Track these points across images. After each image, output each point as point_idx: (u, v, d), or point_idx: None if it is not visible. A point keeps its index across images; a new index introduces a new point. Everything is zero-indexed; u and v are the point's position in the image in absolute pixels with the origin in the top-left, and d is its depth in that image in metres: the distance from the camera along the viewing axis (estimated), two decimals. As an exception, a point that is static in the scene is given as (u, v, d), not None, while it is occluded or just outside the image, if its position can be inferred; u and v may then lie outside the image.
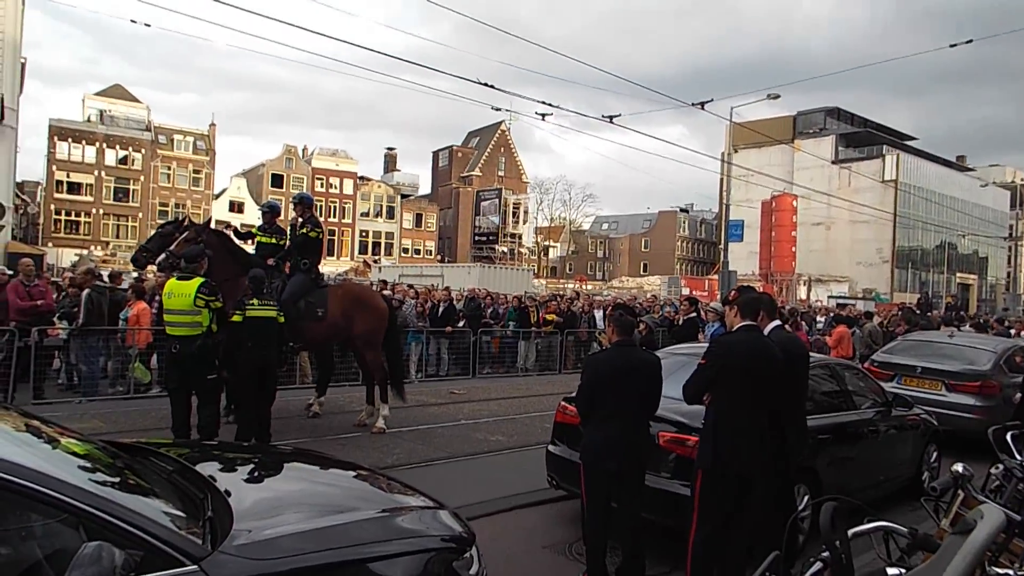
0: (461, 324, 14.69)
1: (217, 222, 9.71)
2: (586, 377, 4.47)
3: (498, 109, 18.88)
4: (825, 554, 2.10)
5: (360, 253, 57.04)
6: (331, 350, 9.81)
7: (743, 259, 45.43)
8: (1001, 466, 4.62)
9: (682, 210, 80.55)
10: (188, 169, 51.12)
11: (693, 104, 19.34)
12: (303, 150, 58.56)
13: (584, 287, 45.69)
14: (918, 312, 21.86)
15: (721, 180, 43.96)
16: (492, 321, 15.64)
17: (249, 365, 7.13)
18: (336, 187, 58.08)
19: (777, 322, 4.82)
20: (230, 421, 7.89)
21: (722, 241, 31.37)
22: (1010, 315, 33.75)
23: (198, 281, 6.64)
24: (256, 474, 3.64)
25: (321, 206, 57.48)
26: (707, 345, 4.99)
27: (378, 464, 6.72)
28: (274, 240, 8.95)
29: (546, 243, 77.70)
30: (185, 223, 8.50)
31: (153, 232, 8.82)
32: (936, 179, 60.39)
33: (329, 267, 45.28)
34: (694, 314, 11.93)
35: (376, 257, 55.79)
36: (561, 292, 28.35)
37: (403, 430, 8.83)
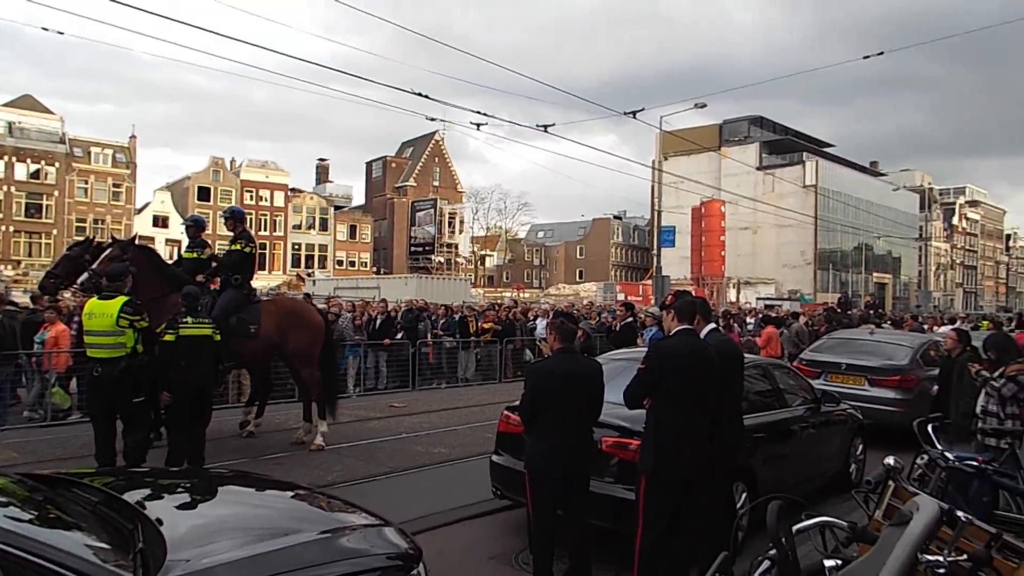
0: (399, 336, 14.51)
1: (141, 238, 9.24)
2: (529, 386, 4.47)
3: (432, 119, 18.75)
4: (772, 552, 2.14)
5: (293, 266, 55.78)
6: (267, 367, 9.53)
7: (675, 264, 46.52)
8: (925, 456, 4.86)
9: (616, 217, 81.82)
10: (107, 183, 48.93)
11: (625, 113, 19.74)
12: (231, 162, 56.93)
13: (521, 295, 45.89)
14: (839, 311, 22.85)
15: (652, 187, 44.95)
16: (441, 332, 15.50)
17: (183, 386, 6.83)
18: (267, 199, 56.63)
19: (712, 325, 4.94)
20: (158, 446, 7.54)
21: (655, 247, 32.06)
22: (922, 311, 35.67)
23: (121, 300, 6.33)
24: (189, 500, 3.48)
25: (251, 219, 55.88)
26: (646, 350, 5.06)
27: (318, 483, 6.55)
28: (197, 255, 8.63)
29: (483, 252, 77.77)
30: (95, 243, 8.08)
31: (60, 256, 8.32)
32: (852, 184, 63.39)
33: (261, 281, 44.11)
34: (631, 319, 12.14)
35: (310, 270, 54.64)
36: (499, 301, 28.40)
37: (343, 446, 8.63)
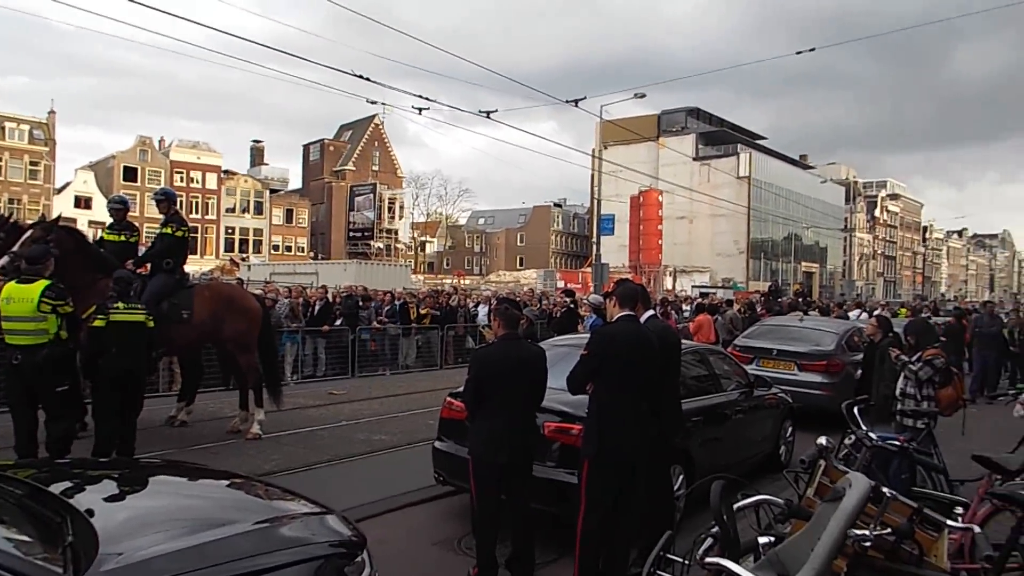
0: (338, 323, 14.28)
1: (63, 219, 8.78)
2: (473, 372, 4.47)
3: (373, 102, 18.58)
4: (715, 529, 2.20)
5: (226, 251, 54.09)
6: (199, 354, 9.23)
7: (614, 252, 47.23)
8: (852, 437, 5.10)
9: (556, 205, 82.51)
10: (23, 160, 46.33)
11: (567, 101, 19.87)
12: (160, 142, 54.68)
13: (462, 282, 45.79)
14: (770, 299, 23.70)
15: (592, 175, 45.45)
16: (387, 320, 15.30)
17: (112, 373, 6.55)
18: (198, 181, 54.66)
19: (651, 312, 5.04)
20: (82, 436, 7.22)
21: (594, 235, 32.45)
22: (846, 299, 37.32)
23: (43, 284, 6.00)
24: (121, 491, 3.34)
25: (182, 201, 53.95)
26: (588, 336, 5.12)
27: (256, 472, 6.39)
28: (123, 238, 8.26)
29: (423, 238, 77.12)
30: (11, 222, 7.60)
31: None
32: (783, 176, 65.59)
33: (193, 266, 42.62)
34: (572, 306, 12.26)
35: (244, 255, 53.11)
36: (440, 287, 28.23)
37: (281, 434, 8.46)
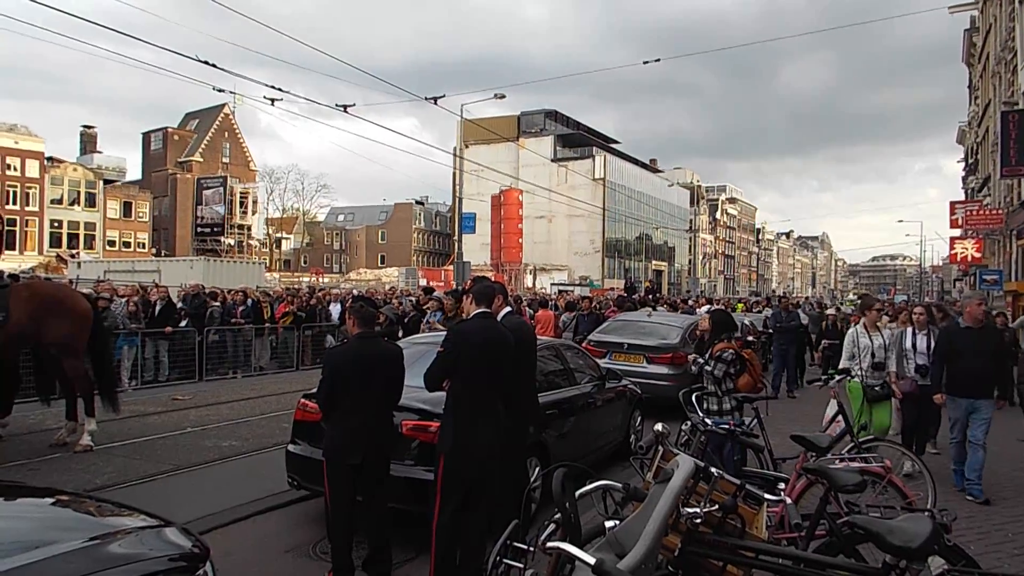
0: (184, 324, 13.38)
1: None
2: (327, 371, 4.37)
3: (221, 90, 17.44)
4: (557, 516, 2.30)
5: (52, 246, 49.01)
6: (16, 361, 8.31)
7: (476, 250, 47.71)
8: (689, 423, 5.49)
9: (418, 202, 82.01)
10: None
11: (427, 98, 19.79)
12: (-33, 122, 48.49)
13: (321, 280, 44.37)
14: (626, 295, 24.96)
15: (454, 174, 45.59)
16: (242, 321, 14.46)
17: None
18: (16, 168, 48.96)
19: (509, 308, 5.16)
20: None
21: (456, 233, 32.59)
22: (692, 296, 40.05)
23: None
24: (-86, 517, 2.96)
25: (-5, 191, 48.30)
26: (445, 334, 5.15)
27: (85, 487, 5.90)
28: None
29: (278, 235, 73.89)
30: None
31: None
32: (635, 178, 69.20)
33: (10, 263, 38.17)
34: (430, 304, 12.28)
35: (74, 251, 48.37)
36: (296, 285, 27.17)
37: (115, 445, 7.81)
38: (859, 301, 16.45)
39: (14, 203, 48.45)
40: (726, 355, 5.87)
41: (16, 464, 6.96)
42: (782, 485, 4.19)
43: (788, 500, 3.52)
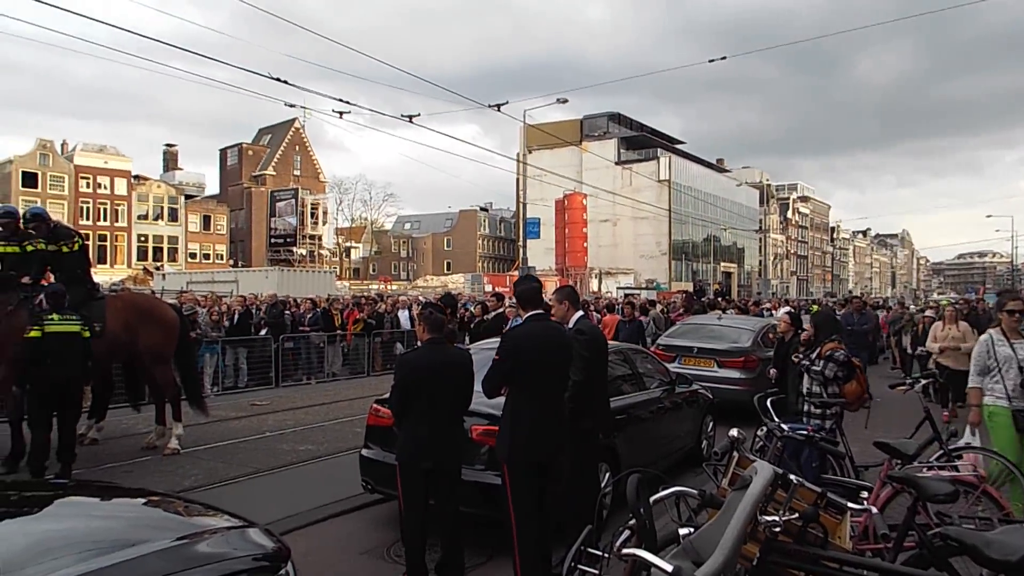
0: (262, 332, 13.88)
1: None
2: (399, 377, 4.43)
3: (292, 105, 18.02)
4: (632, 522, 2.27)
5: (139, 259, 51.69)
6: (110, 369, 8.79)
7: (540, 255, 47.74)
8: (764, 428, 5.33)
9: (482, 209, 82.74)
10: (-91, 165, 43.00)
11: (490, 105, 19.94)
12: (62, 145, 51.72)
13: (389, 287, 45.25)
14: (695, 298, 24.50)
15: (517, 180, 45.85)
16: (308, 328, 14.91)
17: (46, 383, 6.57)
18: (106, 187, 52.00)
19: (581, 312, 5.11)
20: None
21: (521, 238, 32.69)
22: (763, 297, 38.97)
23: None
24: (21, 514, 3.16)
25: (88, 208, 51.33)
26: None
27: (173, 488, 6.16)
28: (18, 249, 7.70)
29: (348, 244, 75.82)
30: None
31: None
32: (701, 179, 67.89)
33: (102, 276, 40.48)
34: (502, 309, 12.33)
35: (158, 263, 50.88)
36: (366, 293, 27.81)
37: (200, 449, 8.17)
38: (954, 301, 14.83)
39: (104, 219, 51.40)
40: (838, 355, 5.69)
41: (111, 466, 7.37)
42: (864, 494, 4.01)
43: (874, 510, 3.37)
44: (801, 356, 6.27)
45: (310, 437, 9.02)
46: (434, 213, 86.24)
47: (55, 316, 6.67)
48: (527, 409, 4.18)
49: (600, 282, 52.44)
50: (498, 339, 7.77)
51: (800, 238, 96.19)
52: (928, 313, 14.63)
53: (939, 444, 5.36)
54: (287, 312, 15.18)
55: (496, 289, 34.27)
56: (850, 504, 2.88)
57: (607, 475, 5.58)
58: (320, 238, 64.79)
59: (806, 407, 5.72)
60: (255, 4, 11.37)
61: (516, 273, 39.19)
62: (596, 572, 2.60)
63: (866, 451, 5.54)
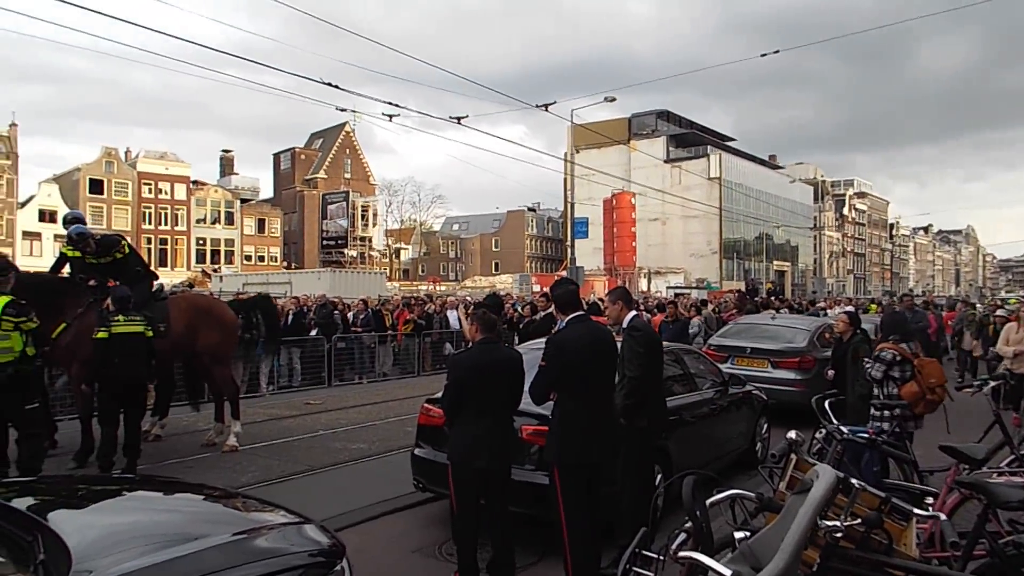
0: (314, 332, 14.17)
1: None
2: (451, 377, 4.45)
3: (343, 110, 18.37)
4: (688, 524, 2.23)
5: (197, 262, 53.38)
6: (172, 368, 9.10)
7: (589, 255, 47.49)
8: (823, 431, 5.18)
9: (529, 209, 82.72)
10: (-15, 175, 45.30)
11: (537, 105, 19.94)
12: (125, 153, 53.80)
13: (438, 288, 45.66)
14: (748, 296, 24.03)
15: (565, 179, 45.60)
16: (360, 329, 15.16)
17: (115, 382, 6.86)
18: (167, 192, 53.95)
19: (634, 312, 5.06)
20: (53, 454, 7.15)
21: (569, 238, 32.58)
22: (818, 297, 37.94)
23: (3, 300, 5.89)
24: (92, 508, 3.29)
25: (150, 213, 53.30)
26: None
27: (232, 484, 6.34)
28: (80, 254, 7.90)
29: (397, 245, 76.84)
30: None
31: None
32: (752, 176, 66.44)
33: (164, 278, 41.92)
34: (551, 309, 12.28)
35: (216, 266, 52.45)
36: (415, 294, 28.13)
37: (257, 446, 8.38)
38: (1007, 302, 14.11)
39: (165, 224, 53.27)
40: (885, 355, 5.55)
41: (173, 462, 7.63)
42: (930, 500, 3.86)
43: (943, 516, 3.24)
44: (869, 363, 6.13)
45: (362, 436, 9.16)
46: (482, 214, 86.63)
47: (121, 317, 6.92)
48: (576, 413, 4.17)
49: (649, 282, 51.87)
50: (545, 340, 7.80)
51: (857, 235, 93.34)
52: (1000, 313, 13.80)
53: (1010, 449, 5.13)
54: (335, 312, 15.46)
55: (544, 289, 34.26)
56: (916, 510, 2.77)
57: (659, 477, 5.51)
58: (370, 240, 65.84)
59: (872, 411, 5.57)
60: (306, 11, 11.57)
61: (564, 273, 39.09)
62: (650, 574, 2.57)
63: (929, 455, 5.33)
